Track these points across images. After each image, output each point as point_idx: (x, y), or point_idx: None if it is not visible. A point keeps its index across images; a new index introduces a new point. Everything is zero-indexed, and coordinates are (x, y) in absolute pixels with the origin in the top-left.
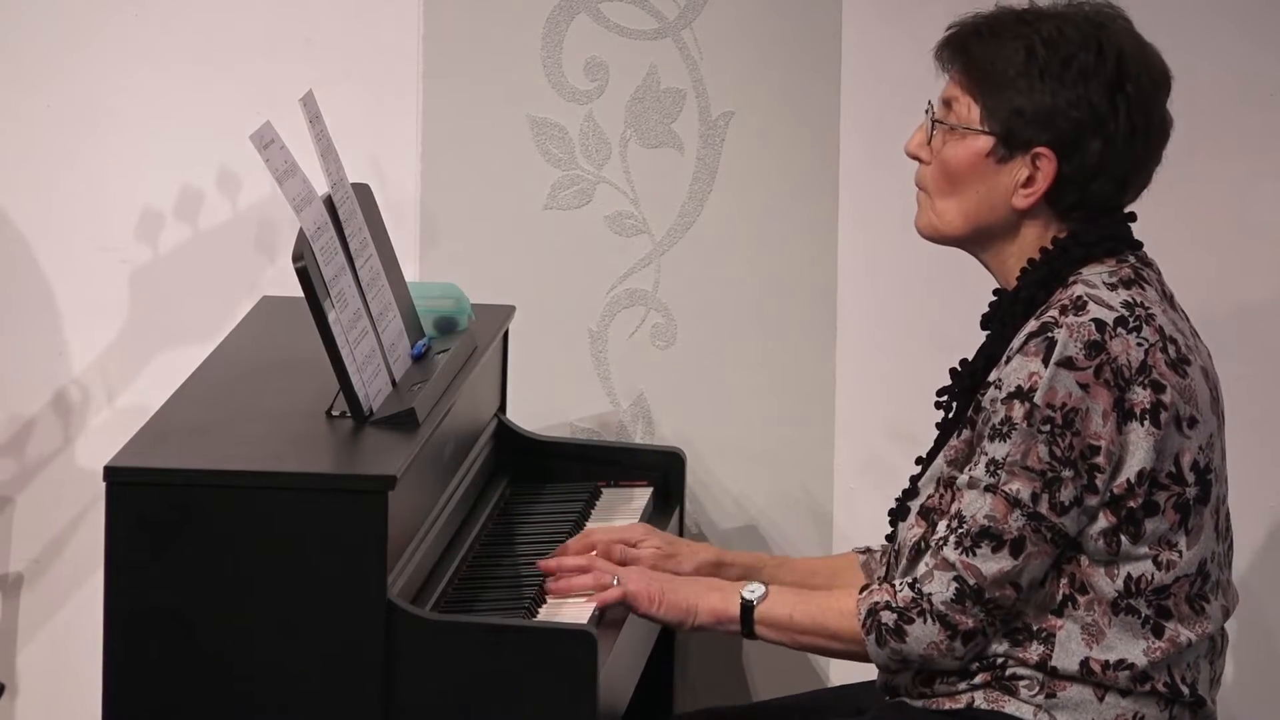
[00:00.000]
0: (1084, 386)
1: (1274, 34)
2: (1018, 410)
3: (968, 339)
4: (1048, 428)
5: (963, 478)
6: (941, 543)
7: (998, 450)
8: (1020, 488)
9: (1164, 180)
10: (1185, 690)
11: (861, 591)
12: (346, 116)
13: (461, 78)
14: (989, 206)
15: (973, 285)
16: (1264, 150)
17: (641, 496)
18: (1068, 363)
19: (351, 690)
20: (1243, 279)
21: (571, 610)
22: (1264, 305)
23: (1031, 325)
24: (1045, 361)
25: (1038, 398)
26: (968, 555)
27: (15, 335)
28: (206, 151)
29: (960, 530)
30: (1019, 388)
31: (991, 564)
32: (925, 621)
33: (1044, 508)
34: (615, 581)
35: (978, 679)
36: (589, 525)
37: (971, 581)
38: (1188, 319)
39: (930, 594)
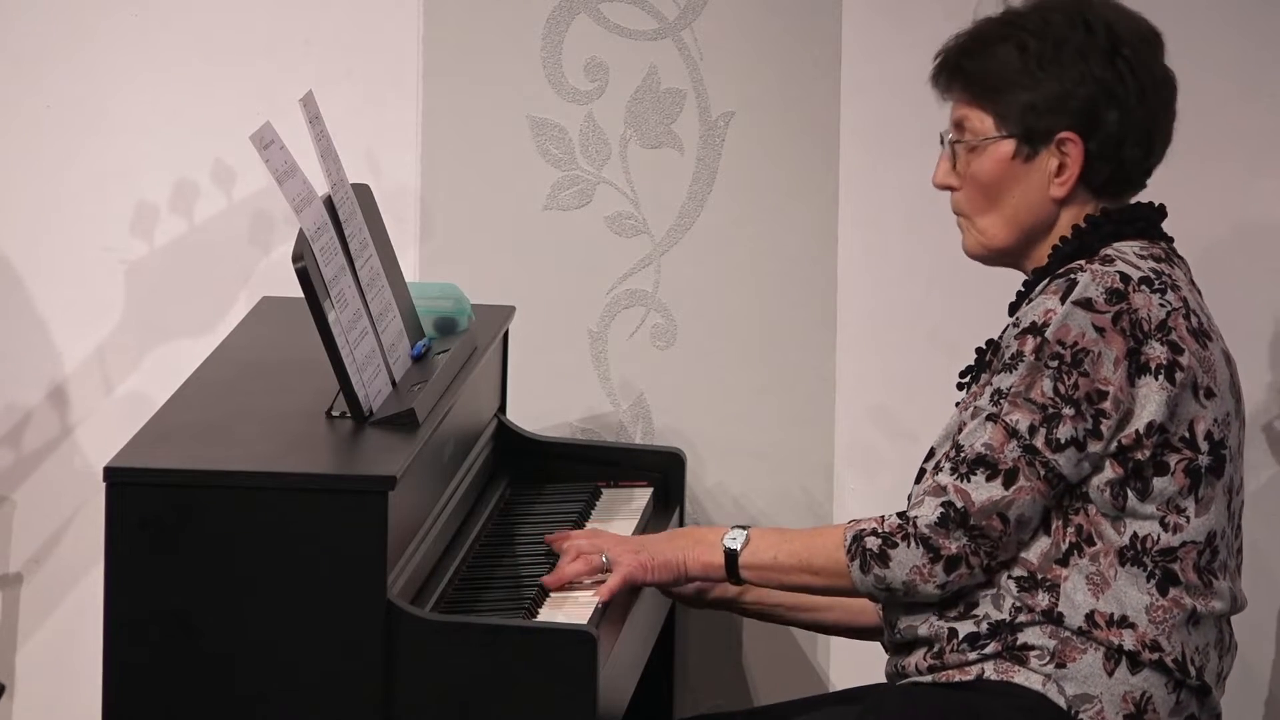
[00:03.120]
0: (1100, 330)
1: (1274, 34)
2: (1029, 344)
3: (968, 338)
4: (1055, 363)
5: (968, 412)
6: (937, 468)
7: (1004, 381)
8: (1020, 419)
9: (1163, 179)
10: (1193, 672)
11: (849, 523)
12: (346, 116)
13: (461, 78)
14: (1028, 206)
15: (973, 285)
16: (1263, 149)
17: (641, 497)
18: (1086, 304)
19: (351, 690)
20: (1242, 277)
21: (571, 610)
22: (1262, 304)
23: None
24: (1063, 299)
25: (1049, 333)
26: (961, 480)
27: (14, 335)
28: (206, 152)
29: (957, 457)
30: (1033, 323)
31: (983, 491)
32: (909, 545)
33: (1040, 441)
34: (604, 559)
35: (989, 648)
36: (589, 526)
37: (959, 504)
38: (1211, 317)
39: (915, 517)
